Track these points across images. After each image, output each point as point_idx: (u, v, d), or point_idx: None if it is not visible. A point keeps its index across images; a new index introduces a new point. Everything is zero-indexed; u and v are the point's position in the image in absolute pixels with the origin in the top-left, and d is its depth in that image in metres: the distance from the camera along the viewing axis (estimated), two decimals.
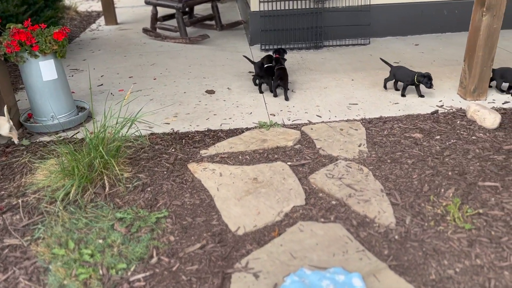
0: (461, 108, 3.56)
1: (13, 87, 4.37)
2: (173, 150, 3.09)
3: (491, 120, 3.18)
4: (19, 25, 3.20)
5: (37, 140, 3.29)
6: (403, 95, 3.81)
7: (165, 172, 2.82)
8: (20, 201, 2.58)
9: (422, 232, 2.23)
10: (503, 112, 3.46)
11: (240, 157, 2.97)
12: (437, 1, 5.45)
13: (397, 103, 3.71)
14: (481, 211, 2.36)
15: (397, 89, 3.95)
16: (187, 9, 6.20)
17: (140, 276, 2.03)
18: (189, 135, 3.29)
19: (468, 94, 3.69)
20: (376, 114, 3.52)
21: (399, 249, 2.13)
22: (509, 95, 3.73)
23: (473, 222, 2.28)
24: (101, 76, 4.63)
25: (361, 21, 5.36)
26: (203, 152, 3.05)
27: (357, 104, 3.72)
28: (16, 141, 3.18)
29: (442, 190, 2.54)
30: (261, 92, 4.02)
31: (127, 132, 2.98)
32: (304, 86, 4.13)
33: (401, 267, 2.02)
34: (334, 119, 3.47)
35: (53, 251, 2.17)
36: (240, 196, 2.55)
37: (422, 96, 3.80)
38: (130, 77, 4.55)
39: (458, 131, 3.19)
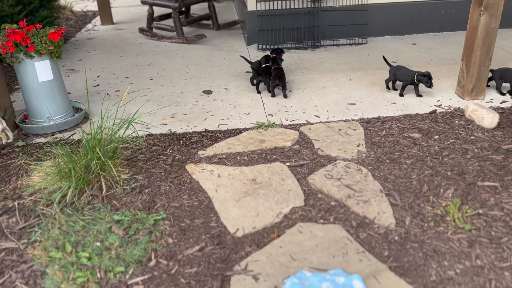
0: (459, 107, 3.56)
1: (9, 88, 4.33)
2: (170, 151, 3.07)
3: (490, 120, 3.18)
4: (14, 26, 3.17)
5: (33, 142, 3.26)
6: (401, 94, 3.80)
7: (162, 174, 2.80)
8: (16, 203, 2.55)
9: (422, 233, 2.22)
10: (501, 111, 3.46)
11: (238, 157, 2.96)
12: (434, 0, 5.45)
13: (395, 102, 3.70)
14: (480, 211, 2.35)
15: (395, 89, 3.94)
16: (183, 9, 6.16)
17: (138, 279, 2.00)
18: (187, 136, 3.27)
19: (466, 94, 3.68)
20: (374, 114, 3.51)
21: (399, 250, 2.12)
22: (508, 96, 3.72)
23: (473, 222, 2.27)
24: (97, 76, 4.60)
25: (358, 20, 5.35)
26: (201, 153, 3.03)
27: (355, 104, 3.71)
28: (4, 141, 3.11)
29: (442, 190, 2.53)
30: (258, 92, 4.00)
31: (124, 133, 2.96)
32: (302, 86, 4.11)
33: (401, 269, 2.01)
34: (332, 119, 3.46)
35: (50, 254, 2.15)
36: (238, 198, 2.53)
37: (420, 95, 3.79)
38: (126, 78, 4.52)
39: (456, 131, 3.18)
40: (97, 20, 7.16)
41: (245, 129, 3.34)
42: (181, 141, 3.19)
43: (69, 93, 4.11)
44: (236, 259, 2.10)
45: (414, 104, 3.65)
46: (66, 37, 6.13)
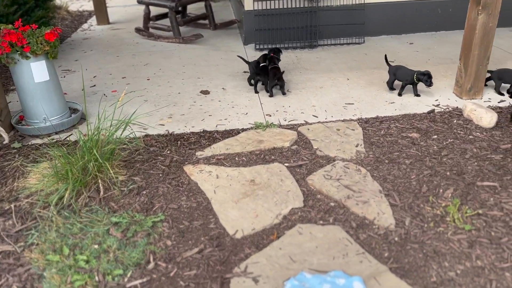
0: (457, 107, 3.55)
1: (4, 88, 4.29)
2: (168, 152, 3.05)
3: (488, 119, 3.18)
4: (10, 26, 3.14)
5: (29, 143, 3.23)
6: (400, 94, 3.79)
7: (160, 175, 2.78)
8: (12, 206, 2.52)
9: (422, 233, 2.21)
10: (499, 111, 3.46)
11: (236, 158, 2.94)
12: None
13: (393, 102, 3.69)
14: (480, 211, 2.34)
15: (392, 89, 3.93)
16: (180, 8, 6.14)
17: (137, 282, 1.99)
18: (185, 137, 3.25)
19: (464, 93, 3.68)
20: (372, 114, 3.50)
21: (399, 251, 2.11)
22: (507, 95, 3.72)
23: (472, 222, 2.27)
24: (94, 76, 4.57)
25: (355, 20, 5.34)
26: (199, 153, 3.01)
27: (353, 104, 3.70)
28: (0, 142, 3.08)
29: (441, 190, 2.53)
30: (256, 92, 3.98)
31: (121, 134, 2.94)
32: (300, 86, 4.10)
33: (401, 270, 2.00)
34: (330, 119, 3.45)
35: (47, 258, 2.13)
36: (237, 199, 2.52)
37: (418, 95, 3.78)
38: (123, 78, 4.49)
39: (455, 131, 3.18)
40: (93, 20, 7.12)
41: (243, 130, 3.33)
42: (179, 142, 3.17)
43: (65, 93, 4.07)
44: (236, 261, 2.08)
45: (412, 104, 3.65)
46: (61, 37, 6.09)
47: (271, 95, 3.88)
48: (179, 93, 4.06)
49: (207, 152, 3.03)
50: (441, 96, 3.78)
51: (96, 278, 2.01)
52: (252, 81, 4.07)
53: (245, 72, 4.49)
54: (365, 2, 5.29)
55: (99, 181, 2.61)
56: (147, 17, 6.03)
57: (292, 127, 3.33)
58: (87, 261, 2.09)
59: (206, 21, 6.27)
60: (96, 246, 2.19)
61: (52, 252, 2.16)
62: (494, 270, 1.98)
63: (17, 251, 2.20)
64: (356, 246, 2.14)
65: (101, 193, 2.58)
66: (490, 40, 3.48)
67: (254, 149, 3.03)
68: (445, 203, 2.42)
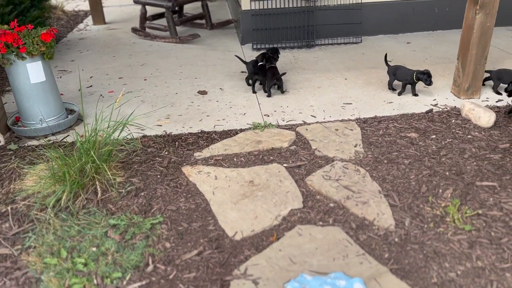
0: (455, 106, 3.55)
1: (0, 89, 4.26)
2: (166, 153, 3.03)
3: (486, 119, 3.18)
4: (5, 26, 3.11)
5: (26, 144, 3.20)
6: (400, 94, 3.78)
7: (158, 176, 2.76)
8: (9, 208, 2.50)
9: (422, 234, 2.20)
10: (497, 110, 3.46)
11: (235, 159, 2.92)
12: None
13: (391, 102, 3.69)
14: (480, 211, 2.34)
15: (390, 88, 3.92)
16: (176, 8, 6.11)
17: (136, 285, 1.97)
18: (182, 137, 3.23)
19: (462, 93, 3.68)
20: (370, 114, 3.49)
21: (400, 252, 2.10)
22: (505, 94, 3.72)
23: (472, 223, 2.26)
24: (90, 77, 4.54)
25: (352, 19, 5.33)
26: (197, 154, 2.99)
27: (351, 103, 3.69)
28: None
29: (440, 190, 2.52)
30: (254, 92, 3.97)
31: (119, 135, 2.91)
32: (298, 86, 4.08)
33: (402, 271, 1.99)
34: (328, 119, 3.44)
35: (45, 261, 2.10)
36: (236, 200, 2.50)
37: (416, 95, 3.78)
38: (120, 78, 4.46)
39: (453, 130, 3.18)
40: (89, 20, 7.08)
41: (241, 130, 3.31)
42: (176, 143, 3.15)
43: (61, 94, 4.04)
44: (235, 263, 2.07)
45: (411, 104, 3.64)
46: (57, 37, 6.05)
47: (269, 95, 3.87)
48: (176, 93, 4.04)
49: (205, 153, 3.01)
50: (439, 95, 3.77)
51: (95, 281, 1.99)
52: (250, 81, 4.05)
53: (242, 72, 4.48)
54: (362, 1, 5.28)
55: (97, 182, 2.59)
56: (144, 17, 6.00)
57: (291, 127, 3.31)
58: (85, 264, 2.07)
59: (203, 21, 6.25)
60: (94, 249, 2.17)
61: (49, 255, 2.14)
62: (494, 270, 1.98)
63: (14, 254, 2.17)
64: (356, 247, 2.13)
65: (99, 195, 2.55)
66: (488, 39, 3.48)
67: (253, 150, 3.01)
68: (445, 203, 2.41)
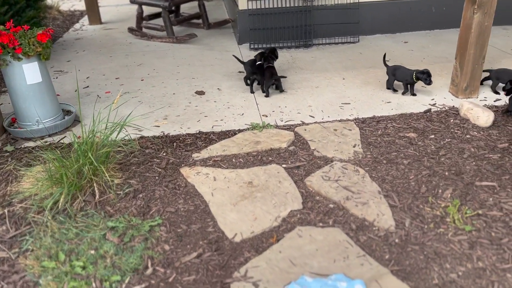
0: (453, 106, 3.55)
1: None
2: (164, 154, 3.01)
3: (485, 118, 3.17)
4: (1, 27, 3.07)
5: (22, 146, 3.17)
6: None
7: (157, 178, 2.74)
8: (6, 211, 2.47)
9: (423, 235, 2.19)
10: (495, 109, 3.46)
11: (233, 160, 2.91)
12: None
13: (390, 102, 3.68)
14: (480, 212, 2.33)
15: (388, 88, 3.92)
16: (173, 8, 6.08)
17: None
18: (180, 138, 3.21)
19: (460, 92, 3.68)
20: (369, 114, 3.48)
21: (400, 253, 2.09)
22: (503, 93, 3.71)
23: (472, 223, 2.26)
24: (87, 77, 4.51)
25: (350, 19, 5.32)
26: (195, 155, 2.98)
27: (349, 103, 3.68)
28: None
29: (440, 191, 2.52)
30: (252, 92, 3.95)
31: (116, 136, 2.89)
32: (296, 86, 4.07)
33: (403, 272, 1.99)
34: (327, 119, 3.43)
35: (42, 264, 2.08)
36: (235, 201, 2.49)
37: (414, 94, 3.77)
38: (116, 79, 4.44)
39: (452, 130, 3.17)
40: (85, 20, 7.04)
41: (240, 131, 3.29)
42: (174, 144, 3.13)
43: (58, 95, 4.01)
44: (235, 265, 2.05)
45: (409, 103, 3.64)
46: (53, 38, 6.01)
47: (267, 95, 3.85)
48: (174, 93, 4.01)
49: (204, 153, 2.99)
50: (437, 95, 3.77)
51: (93, 284, 1.97)
52: (249, 81, 4.03)
53: (240, 72, 4.46)
54: (359, 1, 5.28)
55: (94, 184, 2.57)
56: (140, 17, 5.96)
57: (289, 128, 3.30)
58: (83, 267, 2.05)
59: (200, 21, 6.23)
60: (92, 252, 2.15)
61: (47, 258, 2.12)
62: (495, 271, 1.97)
63: (11, 257, 2.15)
64: (356, 248, 2.12)
65: (97, 197, 2.53)
66: (485, 39, 3.48)
67: (251, 150, 3.00)
68: (445, 203, 2.40)
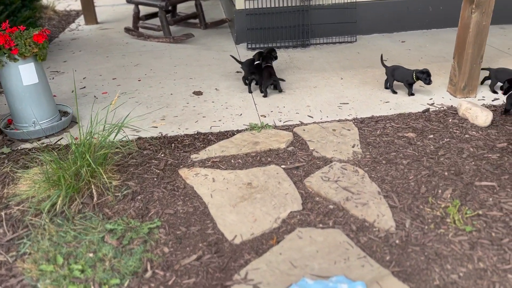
0: (451, 105, 3.55)
1: None
2: (162, 155, 2.99)
3: (483, 118, 3.17)
4: None
5: (19, 148, 3.14)
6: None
7: (155, 179, 2.72)
8: (3, 213, 2.45)
9: (423, 235, 2.19)
10: (493, 109, 3.46)
11: (232, 161, 2.89)
12: None
13: (388, 101, 3.67)
14: (480, 212, 2.33)
15: (387, 88, 3.91)
16: (170, 8, 6.06)
17: None
18: (178, 139, 3.19)
19: (458, 92, 3.67)
20: (367, 114, 3.47)
21: (401, 254, 2.08)
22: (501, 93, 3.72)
23: (473, 224, 2.25)
24: (83, 78, 4.48)
25: (347, 18, 5.32)
26: (194, 156, 2.96)
27: (348, 103, 3.67)
28: None
29: (440, 191, 2.51)
30: (250, 91, 3.94)
31: (114, 138, 2.87)
32: (294, 86, 4.06)
33: (404, 273, 1.98)
34: (326, 119, 3.42)
35: (40, 267, 2.06)
36: (235, 203, 2.47)
37: (412, 94, 3.77)
38: (113, 79, 4.41)
39: (450, 130, 3.17)
40: (81, 20, 7.00)
41: (238, 131, 3.28)
42: (172, 145, 3.11)
43: (54, 96, 3.98)
44: (235, 267, 2.04)
45: (407, 103, 3.63)
46: (49, 38, 5.97)
47: (265, 95, 3.84)
48: (171, 94, 3.99)
49: (202, 154, 2.97)
50: (435, 94, 3.77)
51: None
52: (247, 81, 4.02)
53: (237, 72, 4.44)
54: (357, 0, 5.27)
55: (92, 186, 2.55)
56: (137, 17, 5.94)
57: (288, 128, 3.29)
58: (82, 271, 2.03)
59: (197, 20, 6.20)
60: (91, 255, 2.13)
61: (45, 261, 2.10)
62: (496, 272, 1.97)
63: (9, 261, 2.13)
64: (357, 249, 2.11)
65: (95, 199, 2.51)
66: (483, 38, 3.47)
67: (250, 151, 2.98)
68: (445, 204, 2.40)
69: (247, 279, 1.96)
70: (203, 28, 6.12)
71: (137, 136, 3.23)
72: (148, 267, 2.05)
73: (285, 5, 5.15)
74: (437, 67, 4.36)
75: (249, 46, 5.19)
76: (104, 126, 2.86)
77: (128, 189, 2.61)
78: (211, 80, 4.29)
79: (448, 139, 3.04)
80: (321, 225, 2.28)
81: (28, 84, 3.15)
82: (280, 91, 3.89)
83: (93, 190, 2.54)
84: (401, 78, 3.75)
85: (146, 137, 3.22)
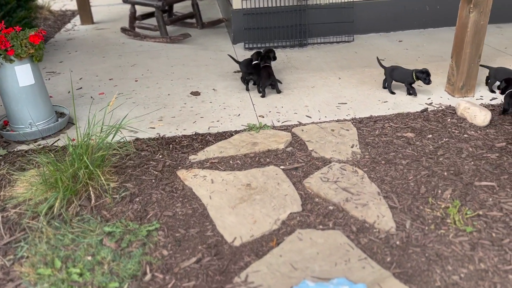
0: (450, 105, 3.54)
1: None
2: (160, 156, 2.97)
3: (482, 118, 3.17)
4: None
5: (15, 149, 3.11)
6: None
7: (153, 181, 2.70)
8: None
9: (423, 236, 2.18)
10: (492, 108, 3.46)
11: (231, 161, 2.88)
12: None
13: (386, 101, 3.67)
14: (480, 212, 2.32)
15: (385, 87, 3.90)
16: (166, 7, 6.03)
17: None
18: (176, 140, 3.17)
19: (456, 91, 3.67)
20: (366, 114, 3.46)
21: (402, 255, 2.07)
22: (498, 92, 3.72)
23: (473, 224, 2.24)
24: (80, 79, 4.45)
25: (344, 18, 5.31)
26: (192, 157, 2.94)
27: (346, 103, 3.66)
28: None
29: (439, 191, 2.50)
30: (247, 89, 3.93)
31: (112, 139, 2.84)
32: (291, 86, 4.05)
33: (405, 275, 1.97)
34: (324, 119, 3.41)
35: (38, 271, 2.04)
36: (234, 204, 2.46)
37: (410, 94, 3.76)
38: (110, 79, 4.38)
39: (449, 129, 3.16)
40: (76, 20, 6.96)
41: (236, 132, 3.26)
42: (170, 146, 3.09)
43: (50, 97, 3.95)
44: (235, 270, 2.02)
45: (405, 103, 3.63)
46: (45, 38, 5.93)
47: (263, 96, 3.82)
48: (168, 94, 3.97)
49: (201, 155, 2.96)
50: (433, 94, 3.76)
51: None
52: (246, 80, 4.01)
53: (235, 72, 4.42)
54: (354, 0, 5.26)
55: (90, 188, 2.53)
56: (133, 16, 5.90)
57: (286, 128, 3.27)
58: (80, 274, 2.01)
59: (193, 20, 6.18)
60: (89, 258, 2.11)
61: (43, 265, 2.08)
62: (497, 272, 1.96)
63: (6, 265, 2.10)
64: (357, 251, 2.10)
65: (93, 201, 2.49)
66: (481, 38, 3.47)
67: (249, 152, 2.97)
68: (445, 204, 2.39)
69: (248, 282, 1.95)
70: (200, 28, 6.10)
71: (135, 137, 3.21)
72: (147, 270, 2.03)
73: (282, 4, 5.14)
74: (435, 67, 4.36)
75: (246, 46, 5.18)
76: (102, 127, 2.83)
77: (126, 191, 2.59)
78: (208, 80, 4.27)
79: (447, 139, 3.04)
80: (321, 227, 2.27)
81: (24, 85, 3.12)
82: (279, 92, 3.87)
83: (91, 192, 2.52)
84: (401, 78, 3.74)
85: (143, 138, 3.20)
